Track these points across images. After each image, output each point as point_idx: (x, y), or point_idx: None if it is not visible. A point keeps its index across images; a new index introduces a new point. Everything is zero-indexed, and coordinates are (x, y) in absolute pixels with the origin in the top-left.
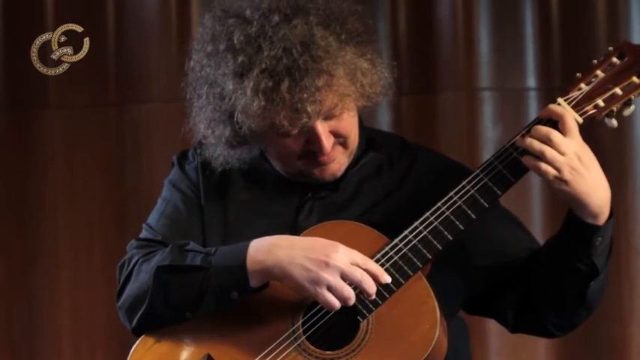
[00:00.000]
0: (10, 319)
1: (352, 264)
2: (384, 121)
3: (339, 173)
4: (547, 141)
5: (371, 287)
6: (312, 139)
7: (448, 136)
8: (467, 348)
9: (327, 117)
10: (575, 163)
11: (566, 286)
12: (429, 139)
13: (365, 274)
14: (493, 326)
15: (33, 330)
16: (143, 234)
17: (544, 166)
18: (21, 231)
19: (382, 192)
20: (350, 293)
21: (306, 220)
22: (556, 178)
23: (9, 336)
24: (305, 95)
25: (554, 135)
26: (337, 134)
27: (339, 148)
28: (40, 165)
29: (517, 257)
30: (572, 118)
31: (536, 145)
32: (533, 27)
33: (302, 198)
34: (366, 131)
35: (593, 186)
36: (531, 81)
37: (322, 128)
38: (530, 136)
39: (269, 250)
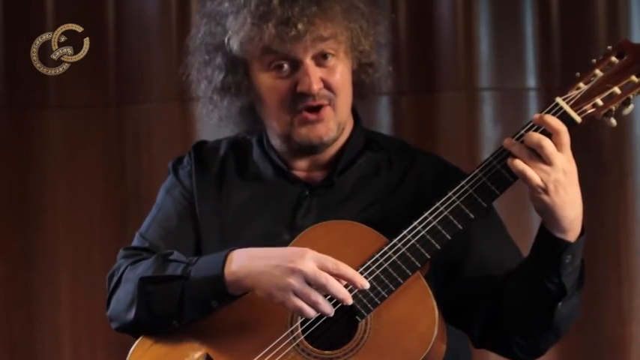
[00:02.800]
0: (9, 319)
1: (321, 268)
2: (384, 121)
3: (327, 138)
4: (538, 148)
5: (339, 291)
6: (301, 78)
7: (448, 136)
8: (467, 349)
9: (318, 61)
10: (560, 176)
11: (534, 306)
12: (429, 139)
13: (331, 278)
14: None
15: (33, 330)
16: (133, 242)
17: (529, 172)
18: (21, 231)
19: (380, 191)
20: (317, 297)
21: (303, 218)
22: (538, 186)
23: (9, 336)
24: (297, 10)
25: (546, 143)
26: (327, 85)
27: (329, 110)
28: (40, 165)
29: (494, 274)
30: (566, 134)
31: (525, 153)
32: (533, 27)
33: (299, 196)
34: (365, 132)
35: (569, 201)
36: (531, 81)
37: (312, 67)
38: (522, 142)
39: (244, 261)
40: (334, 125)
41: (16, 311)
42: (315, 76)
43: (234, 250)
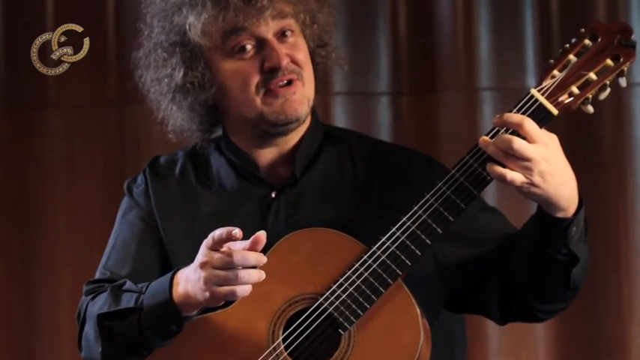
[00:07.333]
0: (9, 318)
1: (212, 247)
2: (384, 121)
3: (301, 111)
4: (509, 150)
5: (245, 258)
6: (268, 54)
7: (448, 136)
8: (463, 354)
9: (279, 39)
10: (542, 166)
11: (549, 278)
12: (429, 139)
13: (234, 250)
14: (493, 326)
15: (33, 330)
16: (96, 275)
17: (509, 175)
18: (21, 230)
19: (348, 188)
20: (234, 273)
21: (274, 222)
22: (523, 183)
23: (9, 336)
24: None
25: (515, 144)
26: (293, 60)
27: (299, 84)
28: (40, 165)
29: (488, 248)
30: (530, 124)
31: (500, 155)
32: (533, 27)
33: (266, 199)
34: (323, 126)
35: (562, 183)
36: (531, 81)
37: (276, 43)
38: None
39: (182, 281)
40: (305, 99)
41: (16, 311)
42: (281, 50)
43: (178, 270)
